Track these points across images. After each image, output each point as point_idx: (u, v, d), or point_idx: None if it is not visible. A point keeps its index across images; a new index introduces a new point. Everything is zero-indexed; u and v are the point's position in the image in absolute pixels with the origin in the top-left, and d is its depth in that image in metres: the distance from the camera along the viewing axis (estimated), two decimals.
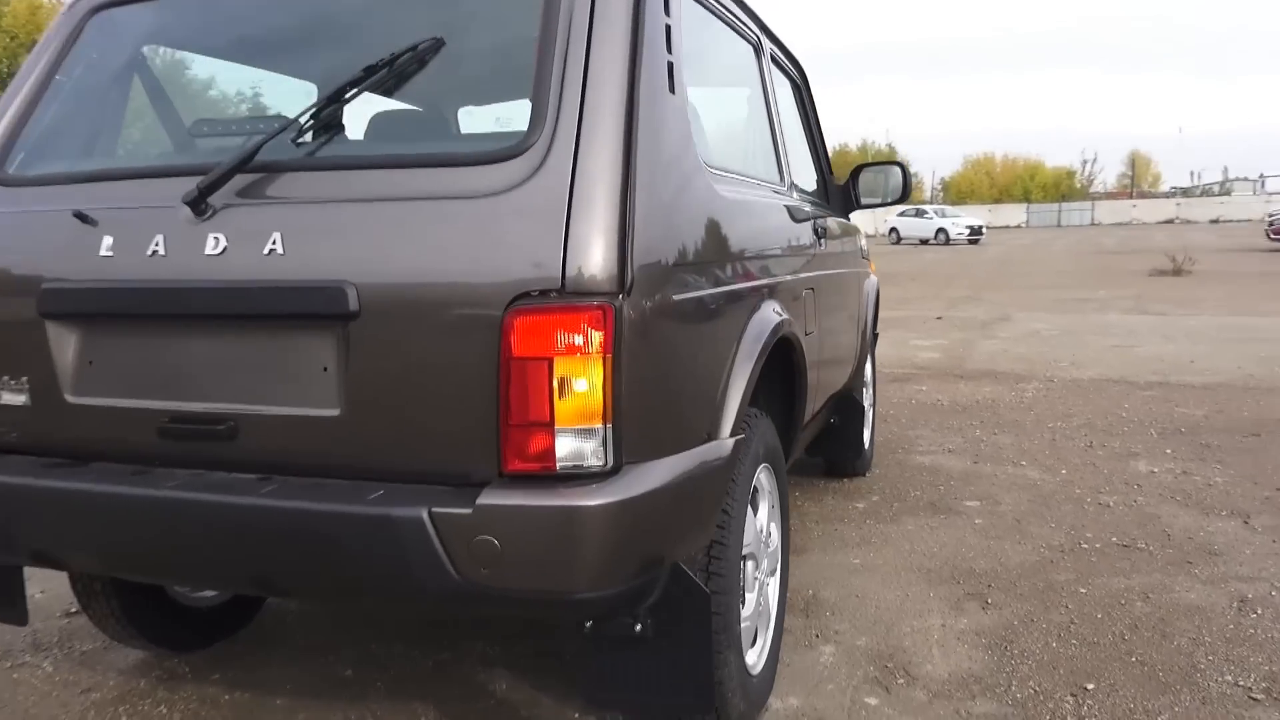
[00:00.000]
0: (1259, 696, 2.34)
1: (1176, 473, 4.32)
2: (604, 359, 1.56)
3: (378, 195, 1.68)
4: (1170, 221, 62.67)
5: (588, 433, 1.58)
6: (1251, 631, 2.69)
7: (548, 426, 1.58)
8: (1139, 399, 5.93)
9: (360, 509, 1.60)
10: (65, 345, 1.86)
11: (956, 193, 78.18)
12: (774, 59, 3.03)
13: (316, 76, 2.22)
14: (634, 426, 1.62)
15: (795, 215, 2.72)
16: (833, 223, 3.36)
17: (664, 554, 1.71)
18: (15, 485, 1.82)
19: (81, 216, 1.82)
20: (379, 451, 1.69)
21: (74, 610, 2.85)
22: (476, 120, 2.40)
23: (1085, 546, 3.42)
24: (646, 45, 1.75)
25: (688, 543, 1.80)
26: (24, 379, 1.89)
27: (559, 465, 1.59)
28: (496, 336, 1.58)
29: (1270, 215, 25.91)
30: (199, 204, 1.73)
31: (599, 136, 1.62)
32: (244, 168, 1.73)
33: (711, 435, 1.87)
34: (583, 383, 1.56)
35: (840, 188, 3.70)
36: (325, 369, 1.71)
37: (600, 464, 1.59)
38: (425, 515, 1.56)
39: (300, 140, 1.79)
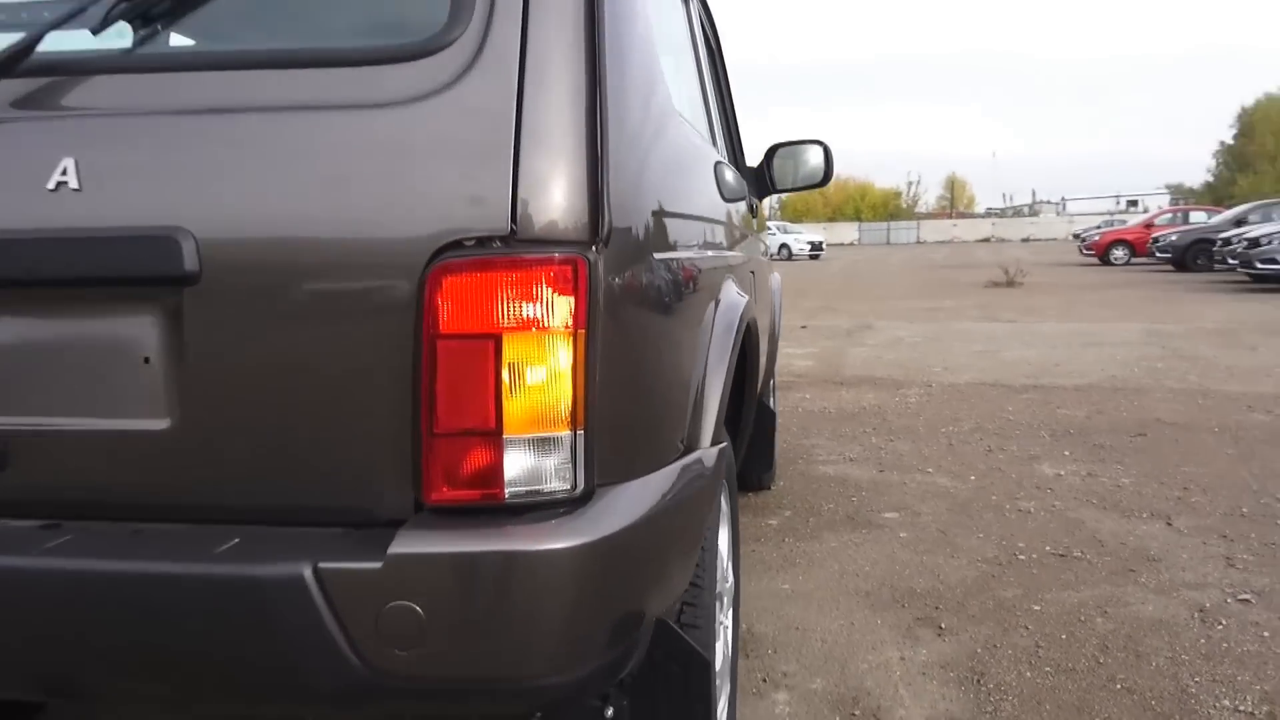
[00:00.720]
0: None
1: (1082, 475, 4.18)
2: (574, 336, 1.09)
3: (225, 105, 1.15)
4: (987, 240, 67.07)
5: (549, 444, 1.11)
6: (1225, 645, 2.46)
7: (492, 436, 1.09)
8: (1020, 402, 5.88)
9: (202, 568, 1.07)
10: None
11: (793, 210, 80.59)
12: (701, 20, 2.60)
13: None
14: (610, 434, 1.15)
15: (736, 189, 2.31)
16: (757, 204, 2.98)
17: (645, 609, 1.24)
18: None
19: None
20: (230, 480, 1.16)
21: None
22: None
23: (1022, 558, 3.17)
24: None
25: (670, 590, 1.34)
26: None
27: (508, 492, 1.10)
28: (413, 306, 1.08)
29: (1084, 232, 27.86)
30: None
31: (555, 20, 1.15)
32: (12, 68, 1.16)
33: (691, 445, 1.42)
34: (543, 371, 1.09)
35: (753, 170, 3.31)
36: (146, 360, 1.16)
37: (566, 488, 1.12)
38: (308, 574, 1.04)
39: (101, 28, 1.22)
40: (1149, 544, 3.27)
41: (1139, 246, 24.26)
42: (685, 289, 1.44)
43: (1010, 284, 16.66)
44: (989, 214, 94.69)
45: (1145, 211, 53.04)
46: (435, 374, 1.07)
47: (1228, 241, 16.44)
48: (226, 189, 1.12)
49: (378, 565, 1.04)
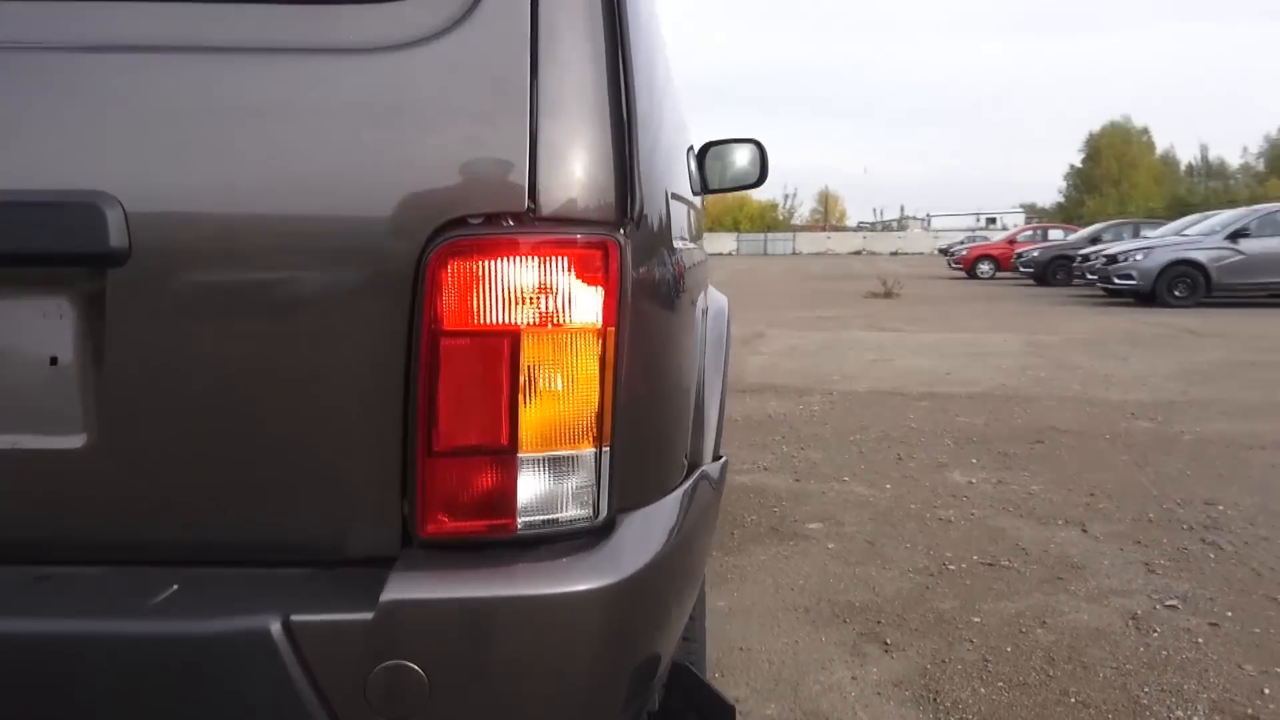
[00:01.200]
0: None
1: (993, 482, 4.22)
2: (603, 334, 0.92)
3: (160, 43, 0.93)
4: (859, 252, 69.51)
5: (570, 463, 0.93)
6: (1164, 654, 2.47)
7: (504, 454, 0.91)
8: (920, 410, 5.95)
9: (133, 626, 0.84)
10: None
11: None
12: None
13: None
14: (632, 451, 0.98)
15: (699, 182, 2.16)
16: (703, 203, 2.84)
17: (662, 652, 1.08)
18: None
19: None
20: (163, 511, 0.93)
21: None
22: None
23: (952, 568, 3.14)
24: None
25: (681, 627, 1.17)
26: None
27: (520, 522, 0.92)
28: (406, 296, 0.89)
29: (951, 247, 29.09)
30: None
31: None
32: None
33: (695, 462, 1.26)
34: (567, 375, 0.91)
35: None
36: (53, 361, 0.92)
37: (586, 515, 0.95)
38: (276, 630, 0.83)
39: None
40: (1070, 551, 3.29)
41: (1004, 261, 25.46)
42: (687, 286, 1.29)
43: (888, 295, 17.15)
44: (860, 228, 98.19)
45: (1004, 228, 56.15)
46: (436, 378, 0.88)
47: (1086, 258, 17.38)
48: (161, 147, 0.89)
49: (367, 616, 0.84)
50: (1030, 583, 3.00)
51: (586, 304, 0.90)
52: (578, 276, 0.90)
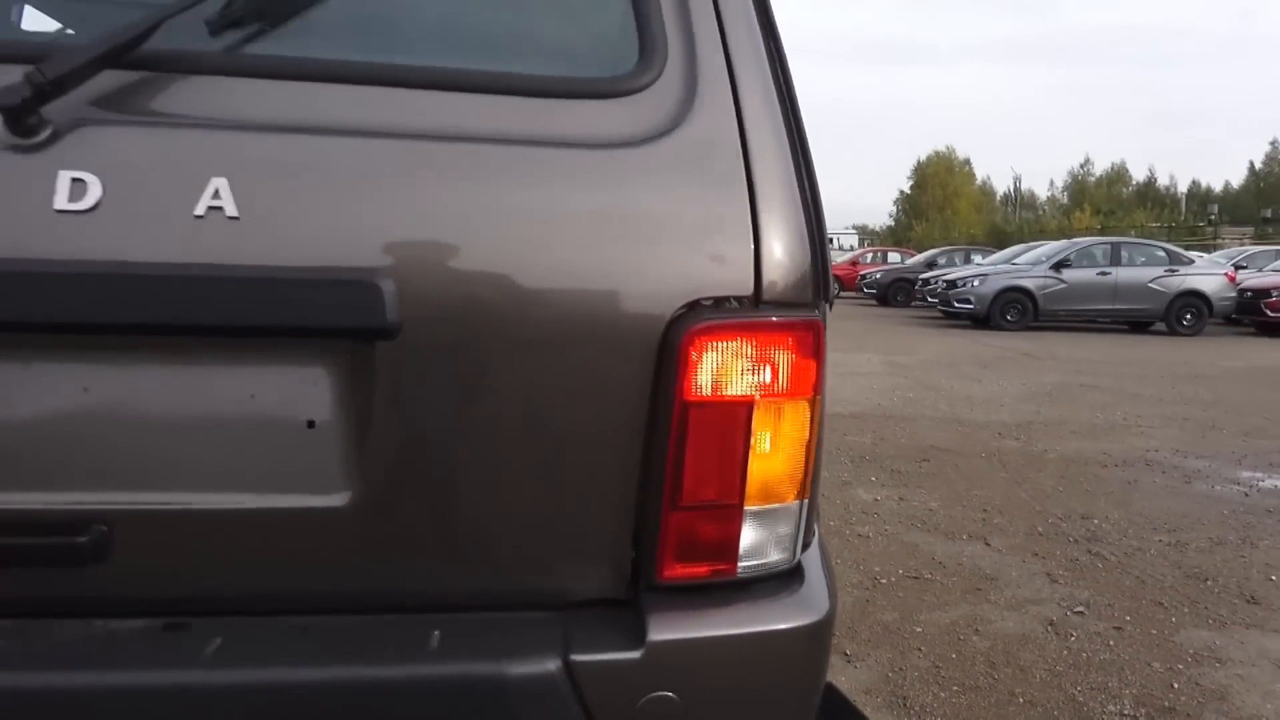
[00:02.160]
0: None
1: (895, 499, 4.56)
2: (813, 401, 1.06)
3: (430, 132, 1.00)
4: None
5: (778, 515, 1.06)
6: (1085, 655, 2.80)
7: (733, 508, 1.03)
8: None
9: (429, 670, 0.92)
10: None
11: None
12: None
13: None
14: (813, 500, 1.12)
15: None
16: None
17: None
18: None
19: None
20: (419, 563, 1.01)
21: None
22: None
23: (884, 581, 3.40)
24: None
25: None
26: None
27: (740, 567, 1.05)
28: (649, 369, 1.00)
29: None
30: (28, 113, 0.90)
31: (755, 76, 1.10)
32: (123, 56, 0.94)
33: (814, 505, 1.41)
34: (785, 438, 1.05)
35: None
36: (310, 424, 0.98)
37: (786, 559, 1.09)
38: (558, 669, 0.93)
39: (241, 23, 1.02)
40: (981, 564, 3.63)
41: (848, 282, 26.82)
42: None
43: None
44: None
45: (839, 248, 58.93)
46: (684, 442, 1.00)
47: (927, 282, 18.62)
48: (428, 230, 0.97)
49: (636, 655, 0.95)
50: (955, 594, 3.30)
51: (803, 376, 1.04)
52: (797, 352, 1.03)
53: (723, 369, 1.00)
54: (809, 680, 1.05)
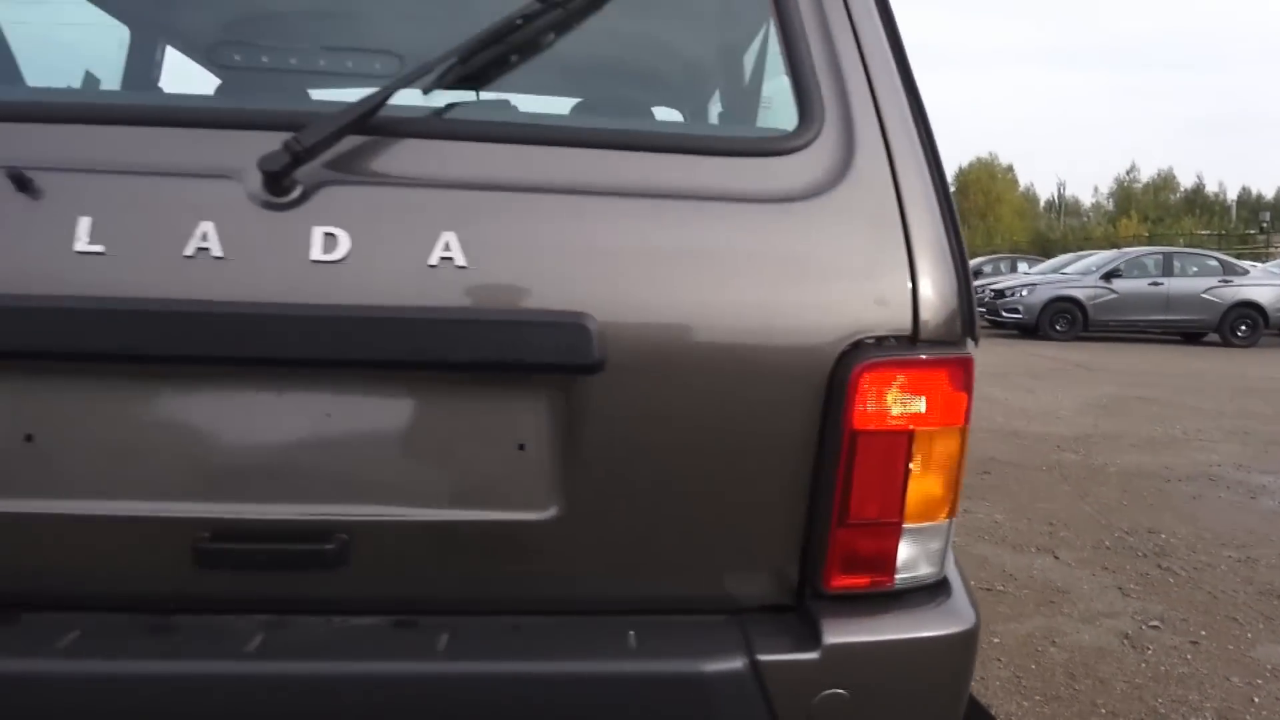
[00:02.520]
0: None
1: (961, 511, 4.60)
2: (961, 429, 1.16)
3: (630, 189, 1.13)
4: None
5: (930, 532, 1.17)
6: (1163, 668, 2.86)
7: (892, 526, 1.14)
8: None
9: (633, 666, 1.04)
10: None
11: None
12: None
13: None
14: (954, 519, 1.23)
15: None
16: None
17: None
18: None
19: (19, 178, 1.02)
20: (612, 571, 1.13)
21: None
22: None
23: None
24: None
25: None
26: None
27: (897, 579, 1.16)
28: (818, 400, 1.11)
29: None
30: (284, 176, 1.04)
31: (903, 131, 1.21)
32: (365, 123, 1.07)
33: None
34: (938, 462, 1.16)
35: None
36: (521, 447, 1.10)
37: (935, 572, 1.19)
38: (746, 666, 1.04)
39: (456, 92, 1.16)
40: (1051, 577, 3.69)
41: None
42: None
43: None
44: None
45: None
46: (852, 467, 1.11)
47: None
48: (626, 275, 1.10)
49: (814, 656, 1.06)
50: (1028, 606, 3.37)
51: (954, 407, 1.15)
52: (949, 385, 1.14)
53: (886, 401, 1.11)
54: (958, 684, 1.16)
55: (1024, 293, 15.97)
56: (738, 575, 1.15)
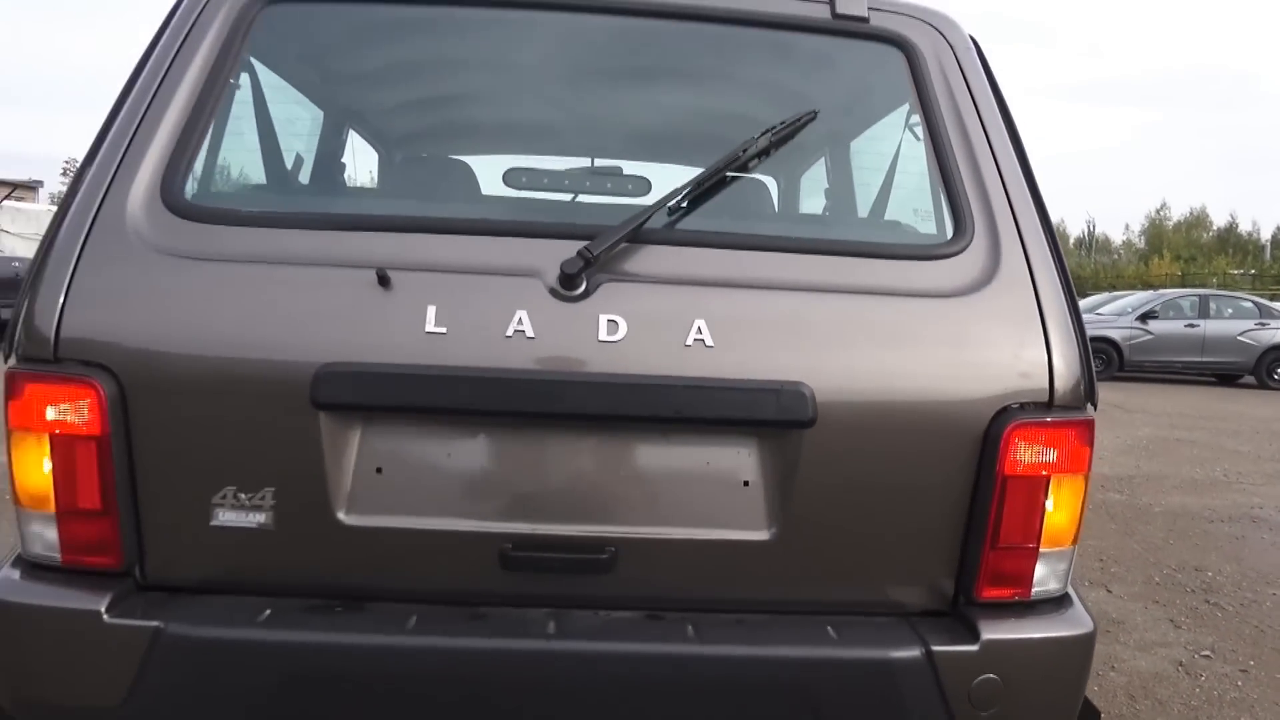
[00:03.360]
0: None
1: None
2: (1085, 476, 1.49)
3: (821, 285, 1.47)
4: None
5: (1059, 556, 1.50)
6: (1217, 693, 3.13)
7: (1031, 550, 1.47)
8: None
9: (844, 652, 1.37)
10: (343, 446, 1.39)
11: None
12: None
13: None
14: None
15: None
16: None
17: None
18: (294, 644, 1.31)
19: (382, 278, 1.38)
20: (812, 580, 1.46)
21: None
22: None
23: None
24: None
25: None
26: (273, 491, 1.38)
27: (1033, 592, 1.48)
28: (977, 451, 1.44)
29: None
30: (579, 277, 1.39)
31: (1035, 237, 1.55)
32: (635, 234, 1.43)
33: None
34: (1068, 501, 1.48)
35: None
36: (745, 484, 1.44)
37: (1060, 588, 1.51)
38: (922, 655, 1.36)
39: (697, 210, 1.52)
40: (1107, 609, 3.96)
41: None
42: None
43: None
44: None
45: None
46: (1003, 504, 1.44)
47: None
48: (831, 353, 1.44)
49: (974, 648, 1.38)
50: None
51: (1080, 458, 1.48)
52: (1076, 441, 1.47)
53: (1029, 453, 1.44)
54: (1080, 677, 1.48)
55: None
56: (907, 586, 1.47)
